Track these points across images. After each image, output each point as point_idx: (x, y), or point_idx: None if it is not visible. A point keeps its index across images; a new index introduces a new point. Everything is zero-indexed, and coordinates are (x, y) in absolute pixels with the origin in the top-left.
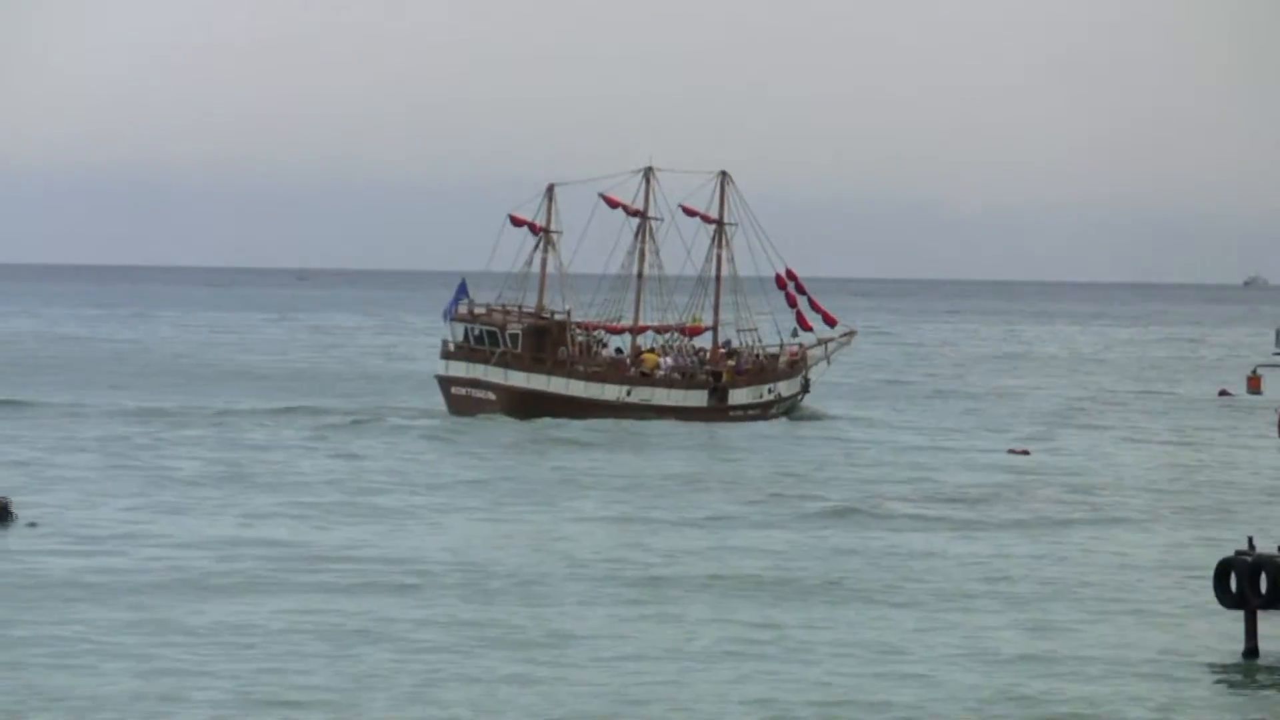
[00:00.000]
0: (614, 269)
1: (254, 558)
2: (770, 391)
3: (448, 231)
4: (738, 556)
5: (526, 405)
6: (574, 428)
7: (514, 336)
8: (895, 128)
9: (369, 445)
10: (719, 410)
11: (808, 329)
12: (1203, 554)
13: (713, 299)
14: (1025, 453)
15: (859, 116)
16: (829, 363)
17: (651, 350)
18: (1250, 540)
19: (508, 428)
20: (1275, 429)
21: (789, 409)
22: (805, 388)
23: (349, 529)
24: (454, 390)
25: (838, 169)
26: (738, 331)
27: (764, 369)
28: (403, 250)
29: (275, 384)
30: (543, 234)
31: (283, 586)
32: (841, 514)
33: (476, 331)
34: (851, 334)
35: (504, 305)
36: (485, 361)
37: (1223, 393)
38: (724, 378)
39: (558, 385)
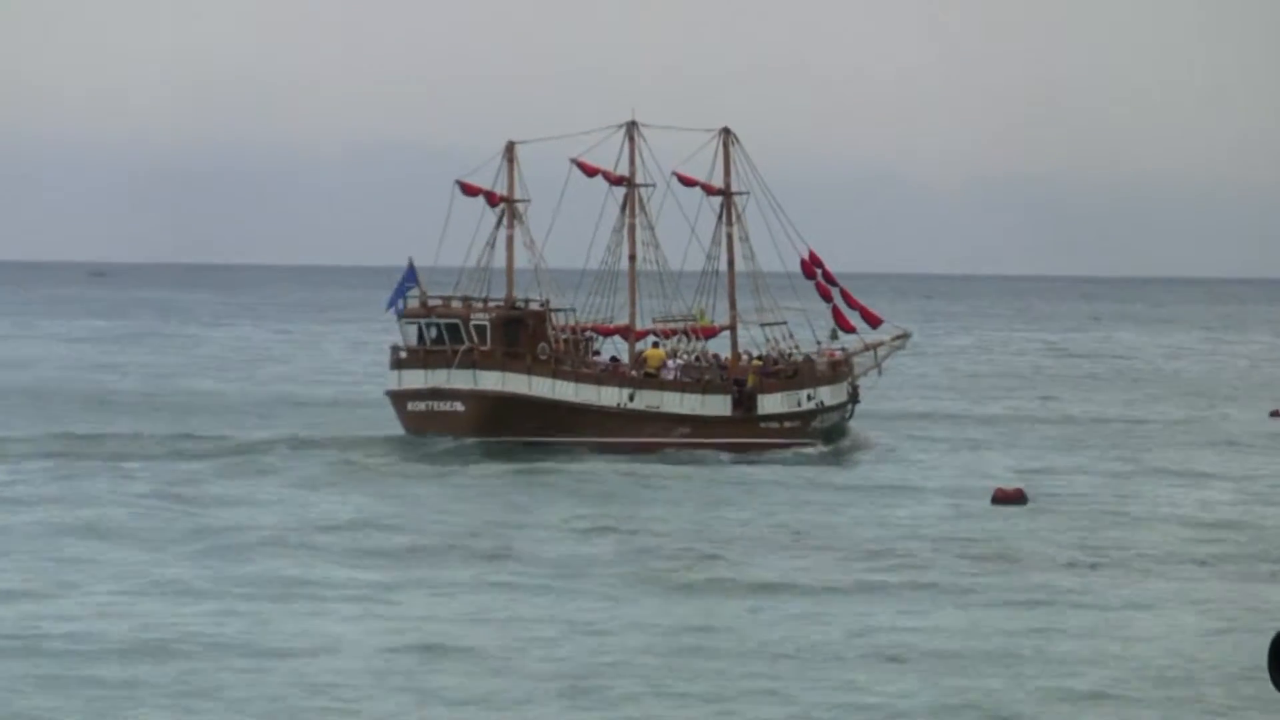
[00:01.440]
0: (597, 254)
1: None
2: (810, 399)
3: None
4: None
5: (503, 415)
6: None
7: (481, 329)
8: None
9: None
10: (747, 421)
11: (850, 330)
12: (1252, 624)
13: (724, 291)
14: (1019, 493)
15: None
16: (880, 372)
17: (656, 346)
18: None
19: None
20: None
21: (835, 424)
22: (854, 397)
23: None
24: (410, 406)
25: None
26: (761, 328)
27: (798, 370)
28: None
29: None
30: (504, 204)
31: None
32: None
33: (433, 330)
34: (905, 336)
35: (465, 295)
36: (447, 365)
37: (1277, 414)
38: (749, 381)
39: (541, 388)
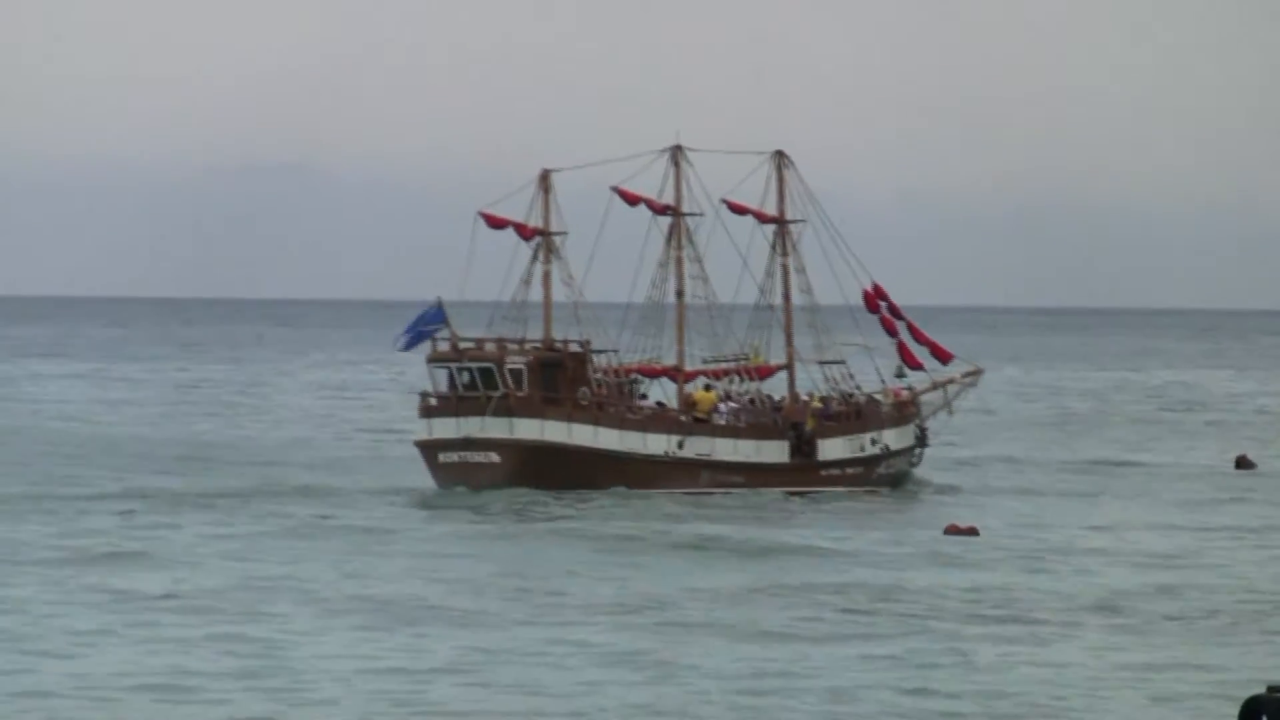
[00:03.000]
0: (641, 289)
1: None
2: (875, 443)
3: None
4: None
5: (542, 465)
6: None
7: (517, 373)
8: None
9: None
10: (807, 469)
11: (917, 366)
12: (1217, 688)
13: (779, 326)
14: (973, 531)
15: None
16: (950, 411)
17: (709, 389)
18: None
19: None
20: None
21: (902, 469)
22: (922, 440)
23: None
24: (442, 457)
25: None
26: (820, 366)
27: (863, 411)
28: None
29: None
30: (540, 238)
31: None
32: None
33: (465, 375)
34: (978, 373)
35: (499, 337)
36: (481, 412)
37: (1242, 462)
38: (808, 424)
39: (583, 435)
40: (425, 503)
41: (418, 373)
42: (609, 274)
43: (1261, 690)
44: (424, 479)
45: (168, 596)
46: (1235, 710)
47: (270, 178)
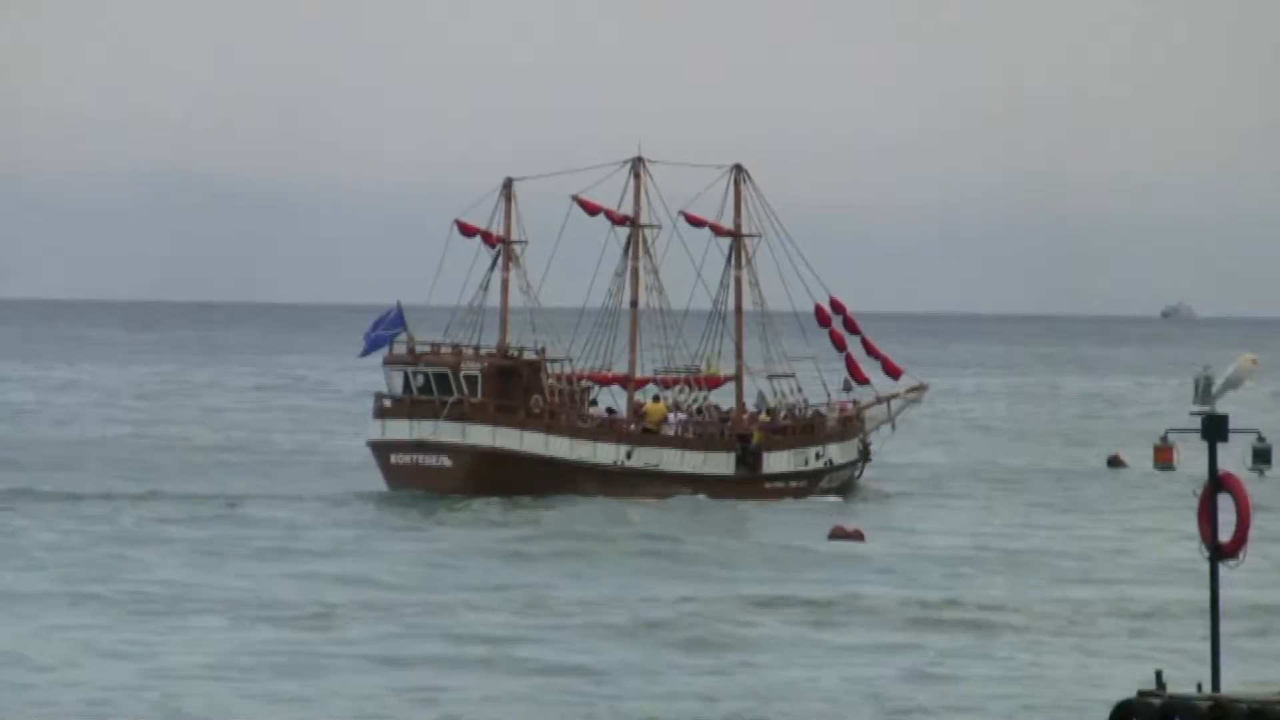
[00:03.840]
0: (597, 296)
1: None
2: (819, 457)
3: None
4: None
5: (492, 472)
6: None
7: (471, 380)
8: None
9: None
10: (752, 481)
11: (863, 381)
12: (1090, 691)
13: (731, 338)
14: (859, 535)
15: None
16: (894, 426)
17: (657, 400)
18: (1159, 675)
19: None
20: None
21: (844, 482)
22: (865, 455)
23: None
24: (394, 458)
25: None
26: (769, 379)
27: (810, 425)
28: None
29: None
30: (500, 245)
31: None
32: None
33: (420, 378)
34: (922, 388)
35: (454, 343)
36: (434, 416)
37: (1115, 461)
38: (755, 437)
39: (534, 443)
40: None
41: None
42: (567, 281)
43: (1132, 694)
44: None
45: None
46: (1105, 715)
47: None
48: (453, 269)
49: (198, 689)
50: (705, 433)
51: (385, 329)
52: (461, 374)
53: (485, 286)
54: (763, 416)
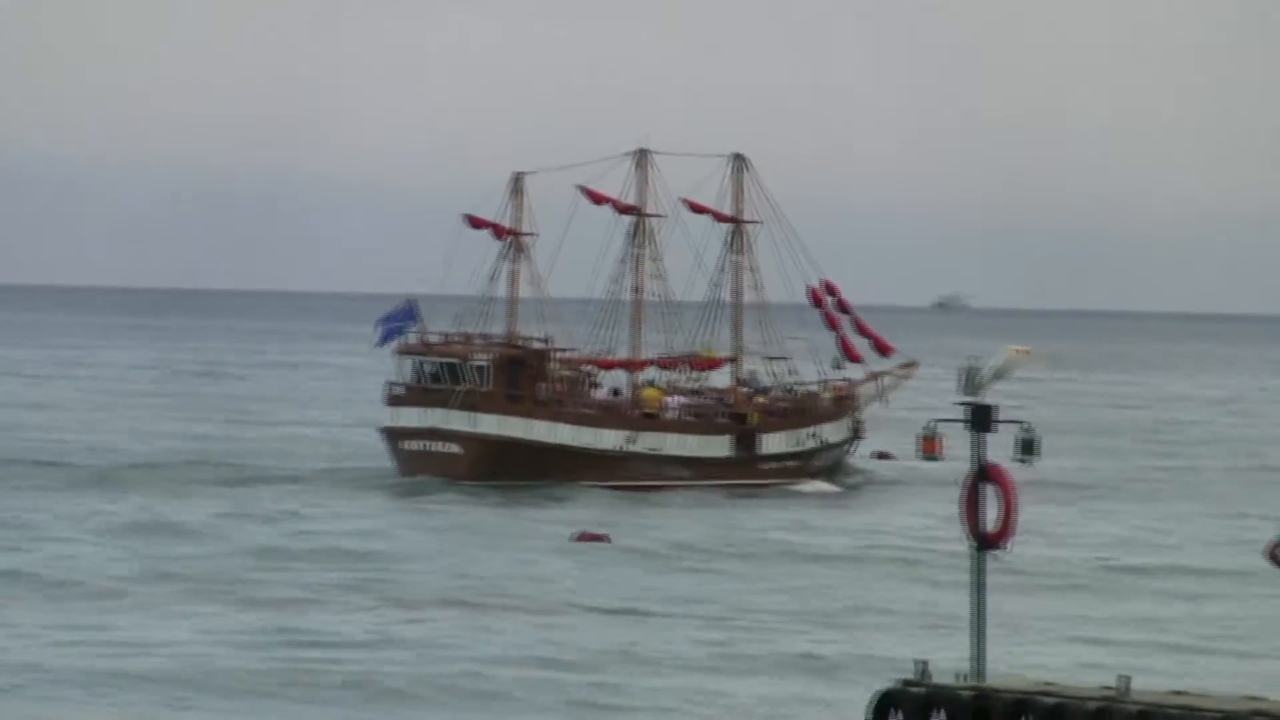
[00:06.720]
0: (601, 284)
1: None
2: (812, 436)
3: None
4: None
5: (500, 459)
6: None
7: (481, 370)
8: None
9: None
10: (748, 462)
11: (855, 359)
12: (850, 681)
13: (729, 321)
14: (605, 538)
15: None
16: (885, 402)
17: (651, 384)
18: (923, 666)
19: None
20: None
21: (836, 460)
22: (856, 433)
23: None
24: (405, 445)
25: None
26: (765, 361)
27: (802, 408)
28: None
29: None
30: (510, 238)
31: None
32: None
33: (431, 367)
34: (913, 365)
35: (464, 332)
36: (445, 404)
37: (881, 455)
38: (750, 419)
39: (540, 431)
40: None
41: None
42: (573, 274)
43: (894, 684)
44: None
45: None
46: (865, 704)
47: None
48: (466, 261)
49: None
50: (703, 416)
51: (398, 321)
52: (471, 363)
53: (493, 277)
54: (758, 398)
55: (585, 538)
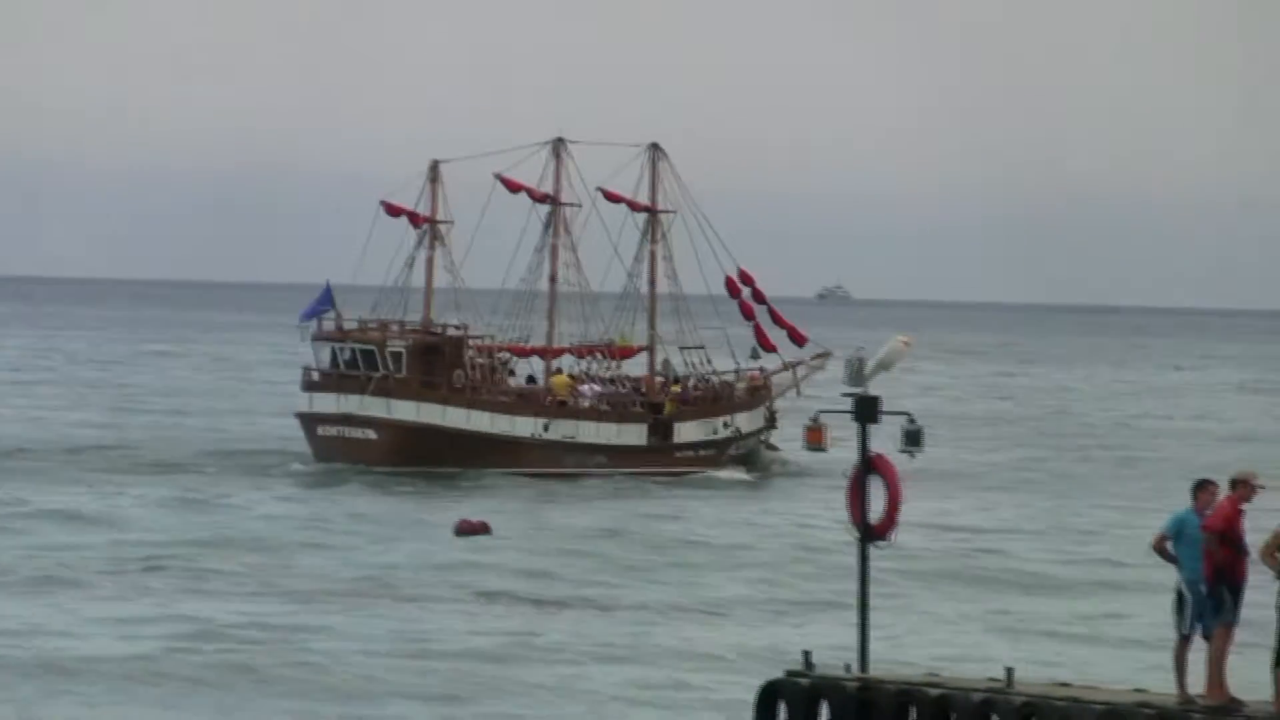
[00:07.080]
0: (518, 273)
1: None
2: (727, 425)
3: None
4: None
5: (415, 445)
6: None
7: (396, 356)
8: None
9: None
10: (663, 450)
11: (770, 349)
12: (739, 671)
13: (645, 311)
14: (485, 528)
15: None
16: (799, 392)
17: (559, 372)
18: (807, 656)
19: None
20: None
21: (750, 449)
22: (771, 422)
23: None
24: (321, 430)
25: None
26: (680, 350)
27: (717, 396)
28: None
29: None
30: (427, 226)
31: None
32: None
33: (347, 353)
34: (826, 355)
35: (381, 319)
36: (361, 390)
37: (767, 446)
38: (666, 408)
39: (456, 418)
40: None
41: None
42: (489, 263)
43: (780, 674)
44: None
45: None
46: (751, 696)
47: None
48: (381, 249)
49: None
50: (618, 405)
51: (317, 306)
52: (387, 350)
53: (410, 265)
54: (673, 387)
55: (465, 528)
